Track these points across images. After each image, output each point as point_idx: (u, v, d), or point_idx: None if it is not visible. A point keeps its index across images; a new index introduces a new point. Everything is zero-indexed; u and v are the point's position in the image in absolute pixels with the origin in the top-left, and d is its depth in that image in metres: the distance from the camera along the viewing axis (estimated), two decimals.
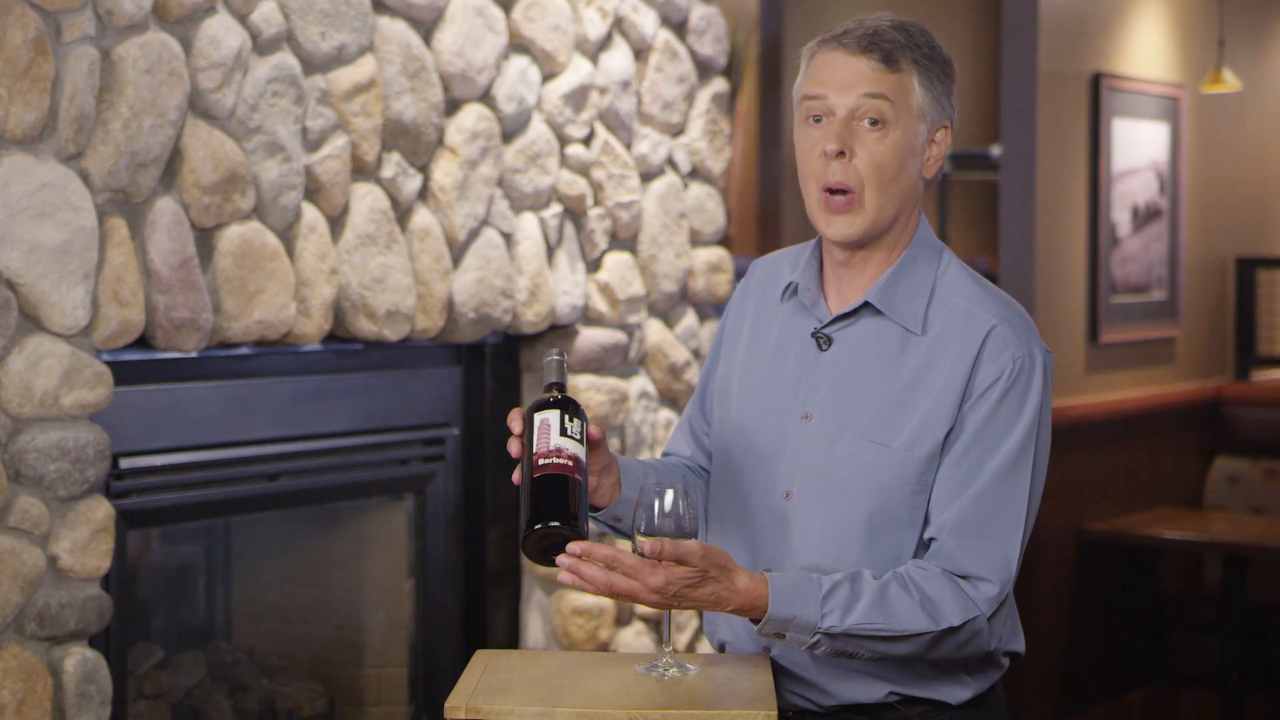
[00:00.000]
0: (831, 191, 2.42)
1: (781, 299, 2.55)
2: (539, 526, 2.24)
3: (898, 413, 2.44)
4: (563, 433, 2.28)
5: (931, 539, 2.42)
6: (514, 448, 2.33)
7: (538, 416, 2.31)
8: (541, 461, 2.27)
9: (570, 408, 2.31)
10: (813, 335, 2.50)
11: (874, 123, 2.40)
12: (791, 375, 2.51)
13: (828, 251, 2.51)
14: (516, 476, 2.34)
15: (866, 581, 2.38)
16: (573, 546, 2.25)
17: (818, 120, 2.42)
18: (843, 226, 2.43)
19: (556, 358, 2.37)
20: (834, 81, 2.41)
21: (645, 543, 2.29)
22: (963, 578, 2.40)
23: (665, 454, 2.74)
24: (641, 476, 2.53)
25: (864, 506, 2.45)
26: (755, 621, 2.37)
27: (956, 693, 2.49)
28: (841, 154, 2.40)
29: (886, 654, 2.38)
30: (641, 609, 4.58)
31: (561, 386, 2.35)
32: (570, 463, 2.27)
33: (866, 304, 2.46)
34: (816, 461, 2.47)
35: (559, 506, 2.25)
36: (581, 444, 2.30)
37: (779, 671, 2.50)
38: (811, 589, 2.37)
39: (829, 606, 2.36)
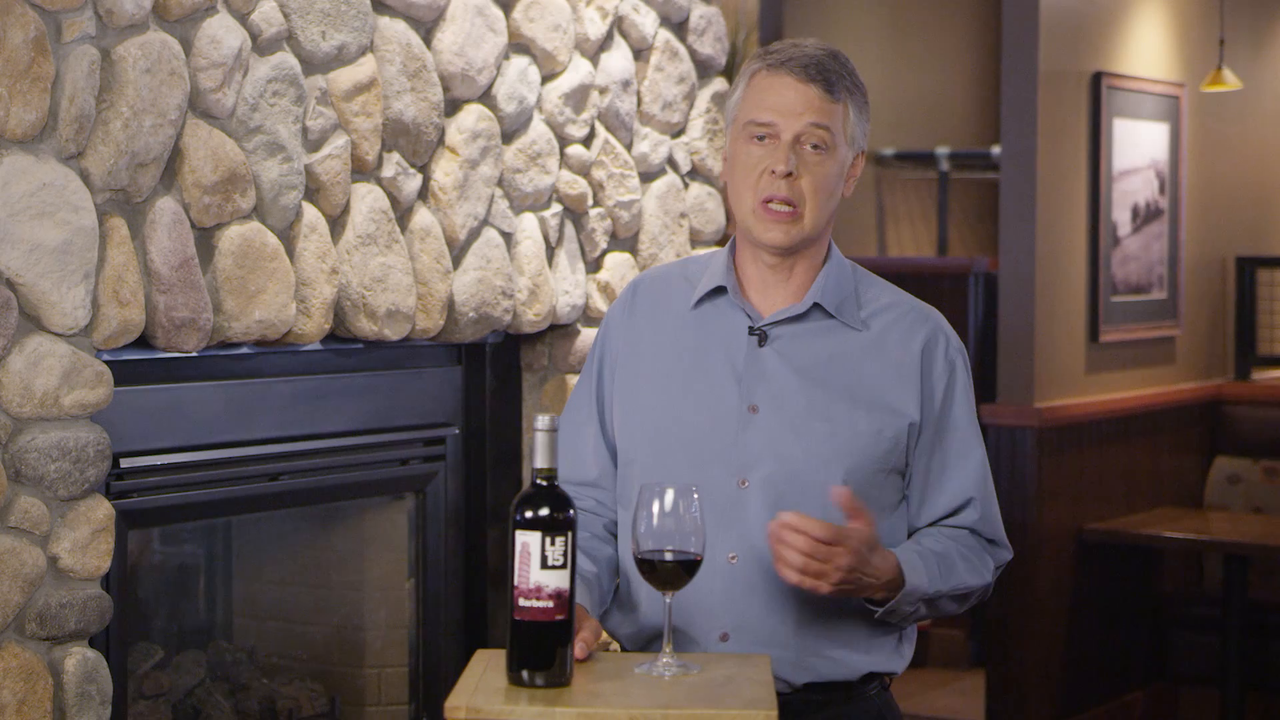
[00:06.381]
0: (772, 202, 2.62)
1: (695, 305, 2.70)
2: (524, 674, 2.33)
3: (858, 401, 2.61)
4: (543, 564, 2.31)
5: (955, 513, 2.65)
6: None
7: (519, 538, 2.32)
8: (522, 603, 2.32)
9: (554, 524, 2.32)
10: (751, 332, 2.65)
11: (816, 147, 2.61)
12: (724, 371, 2.65)
13: (753, 258, 2.70)
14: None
15: (938, 545, 2.60)
16: (785, 516, 2.45)
17: (761, 140, 2.62)
18: (780, 234, 2.63)
19: (545, 429, 2.36)
20: (782, 107, 2.61)
21: (841, 493, 2.48)
22: (990, 542, 2.66)
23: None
24: (599, 590, 2.65)
25: (834, 488, 2.56)
26: (878, 603, 2.53)
27: (898, 663, 2.67)
28: (790, 174, 2.60)
29: (948, 612, 2.63)
30: None
31: (551, 474, 2.34)
32: (551, 603, 2.31)
33: (816, 305, 2.65)
34: (777, 450, 2.59)
35: (543, 658, 2.33)
36: (564, 567, 2.32)
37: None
38: (915, 558, 2.56)
39: (933, 571, 2.57)
